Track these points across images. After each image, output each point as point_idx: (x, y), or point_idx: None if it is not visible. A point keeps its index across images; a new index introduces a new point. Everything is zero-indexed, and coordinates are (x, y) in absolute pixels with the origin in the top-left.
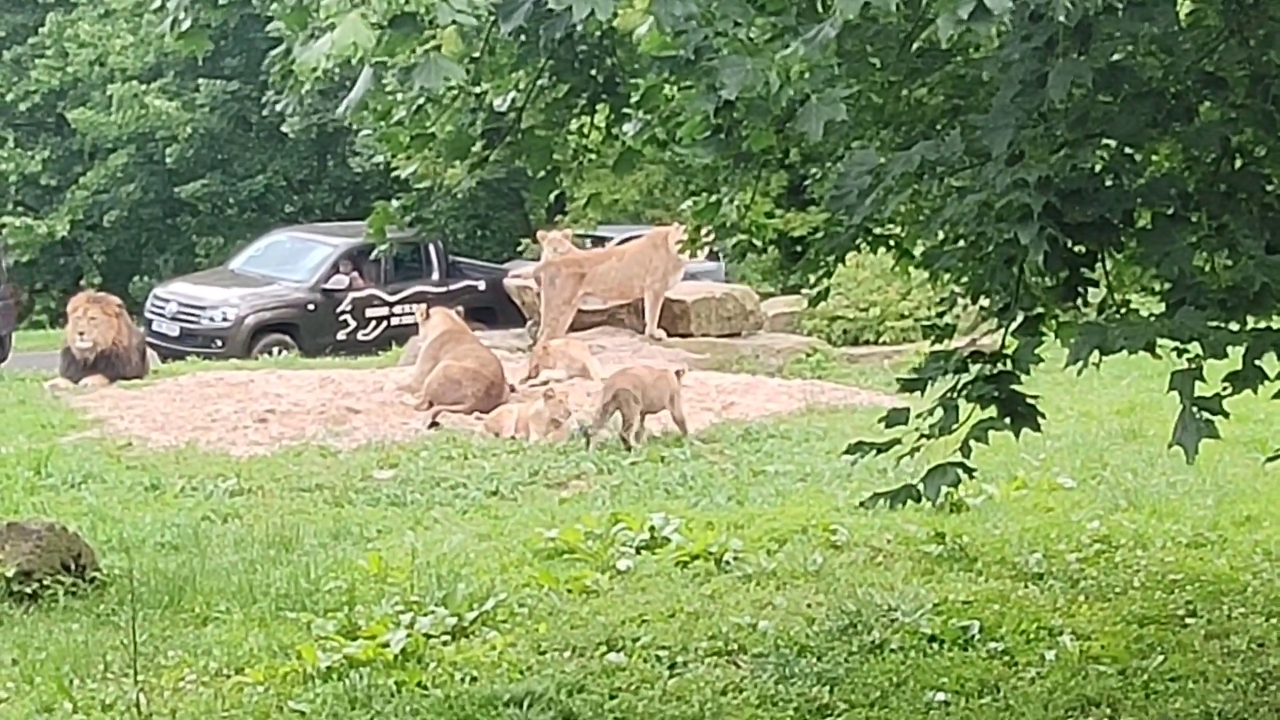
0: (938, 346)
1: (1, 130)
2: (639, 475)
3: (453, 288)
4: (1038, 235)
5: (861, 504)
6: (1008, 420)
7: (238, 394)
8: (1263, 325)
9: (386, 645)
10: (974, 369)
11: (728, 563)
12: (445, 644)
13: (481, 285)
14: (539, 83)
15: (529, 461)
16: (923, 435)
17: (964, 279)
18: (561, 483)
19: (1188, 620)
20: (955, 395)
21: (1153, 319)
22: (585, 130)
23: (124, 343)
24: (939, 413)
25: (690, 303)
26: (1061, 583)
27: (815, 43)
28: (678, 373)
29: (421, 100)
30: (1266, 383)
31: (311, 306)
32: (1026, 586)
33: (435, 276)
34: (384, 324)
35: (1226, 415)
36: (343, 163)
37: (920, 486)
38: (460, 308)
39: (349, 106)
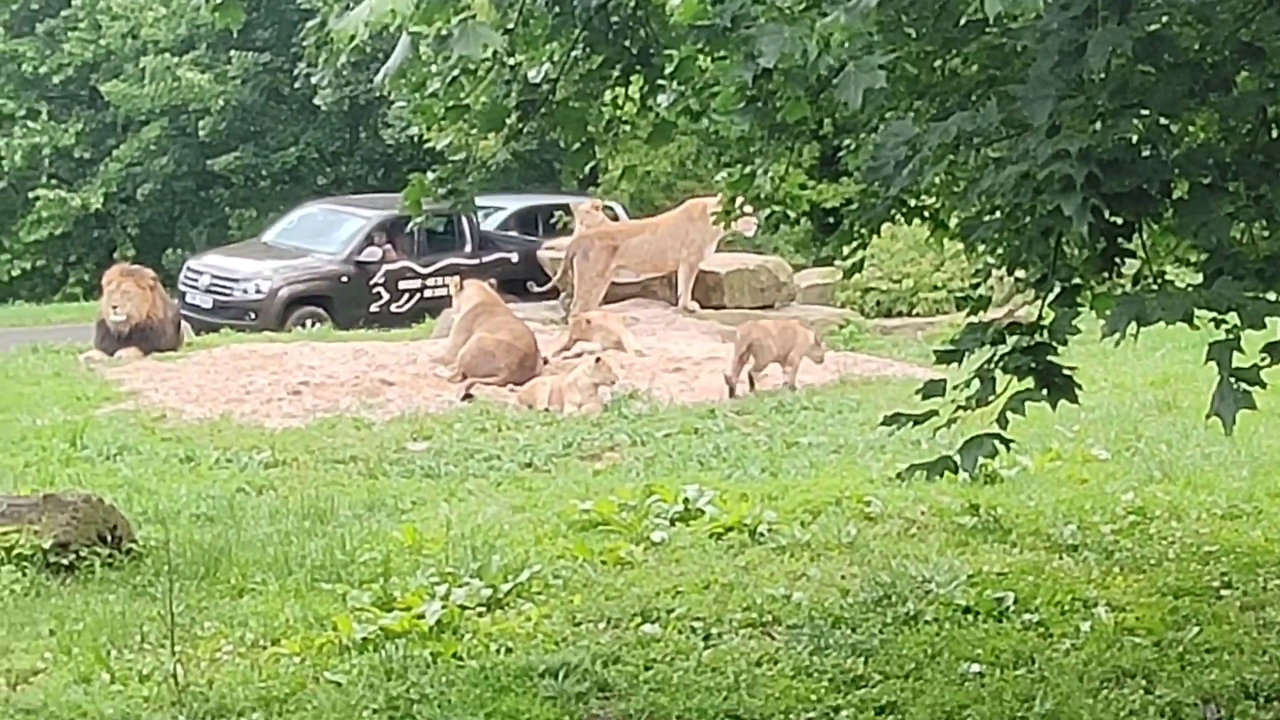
0: (972, 318)
1: (35, 103)
2: (673, 447)
3: (485, 260)
4: (1080, 206)
5: (898, 475)
6: (1045, 392)
7: (272, 366)
8: None
9: (422, 616)
10: (1011, 340)
11: (762, 534)
12: (480, 615)
13: (514, 257)
14: (573, 54)
15: (563, 433)
16: (959, 407)
17: (1000, 250)
18: (595, 454)
19: (1223, 592)
20: (992, 367)
21: (1190, 289)
22: (619, 102)
23: (158, 315)
24: (976, 384)
25: (723, 275)
26: (1096, 554)
27: (857, 10)
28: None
29: (456, 72)
30: None
31: (345, 279)
32: (1061, 558)
33: (468, 249)
34: (417, 296)
35: (1264, 386)
36: (375, 135)
37: (957, 458)
38: (493, 280)
39: (386, 75)
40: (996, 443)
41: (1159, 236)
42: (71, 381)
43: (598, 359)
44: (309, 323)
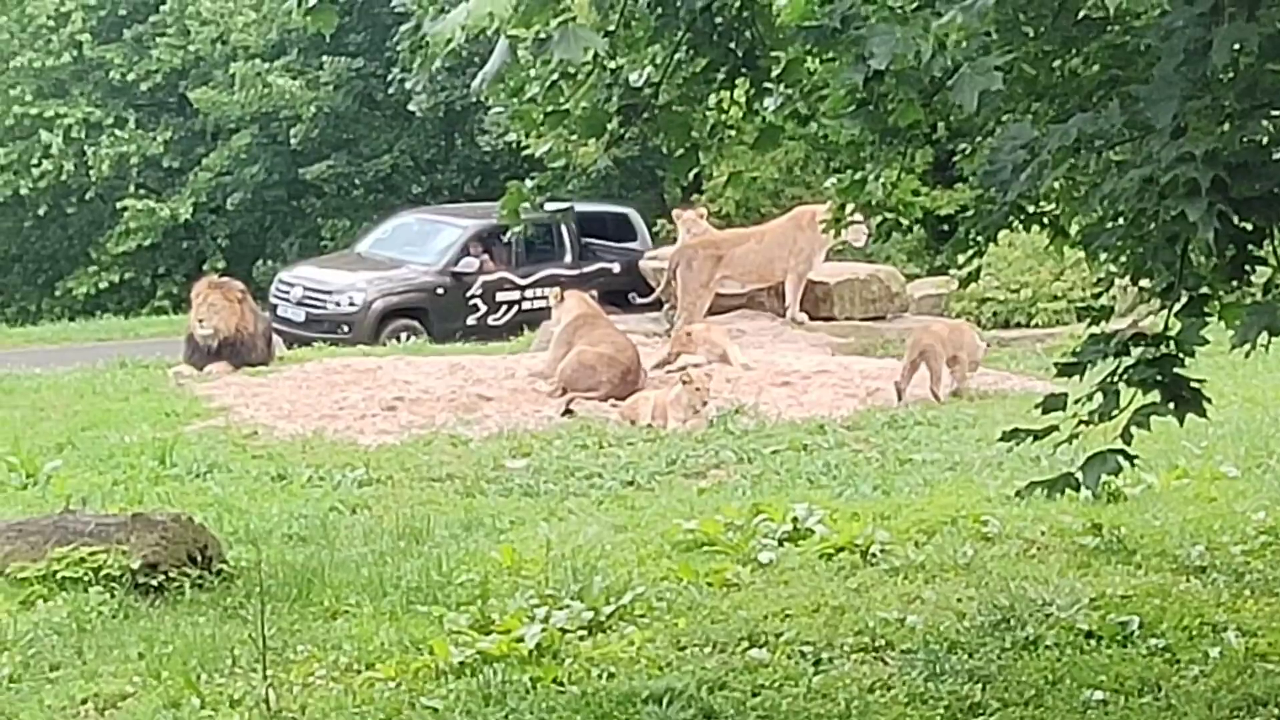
0: (1094, 329)
1: (122, 111)
2: (780, 464)
3: (586, 270)
4: (1206, 211)
5: (1017, 494)
6: (1171, 406)
7: (365, 381)
8: None
9: (521, 640)
10: (1135, 352)
11: (874, 555)
12: (581, 639)
13: (616, 268)
14: (676, 57)
15: (666, 450)
16: (1081, 421)
17: (1123, 258)
18: (700, 472)
19: None
20: (1115, 380)
21: None
22: (725, 106)
23: (249, 329)
24: (1098, 398)
25: (833, 285)
26: (1225, 576)
27: (975, 9)
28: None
29: (555, 76)
30: None
31: (441, 290)
32: (1188, 580)
33: (568, 259)
34: (515, 308)
35: None
36: (471, 141)
37: (1079, 475)
38: (594, 291)
39: (484, 80)
40: (1120, 459)
41: None
42: (160, 397)
43: (683, 381)
44: (404, 336)
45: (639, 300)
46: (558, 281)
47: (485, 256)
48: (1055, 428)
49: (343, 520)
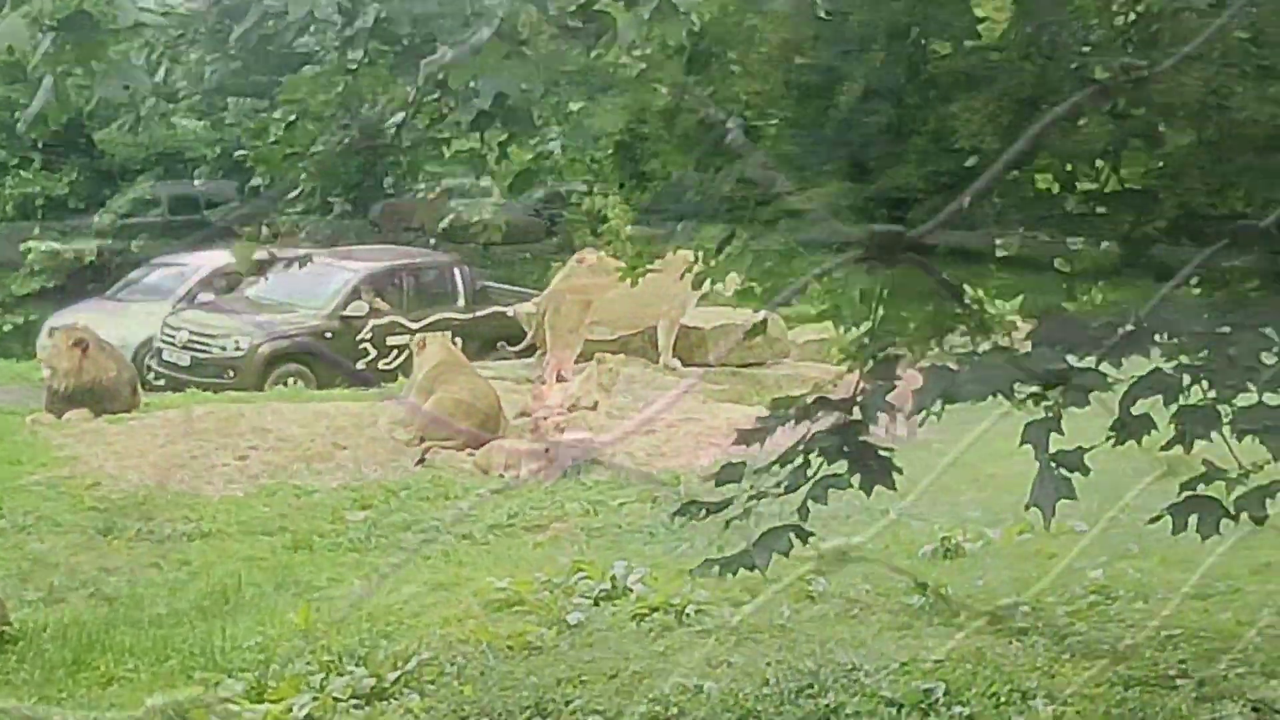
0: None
1: (28, 152)
2: (624, 518)
3: (479, 314)
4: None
5: (690, 573)
6: (857, 477)
7: (225, 429)
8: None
9: (290, 710)
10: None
11: (688, 615)
12: (357, 708)
13: (510, 311)
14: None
15: (510, 502)
16: (751, 496)
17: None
18: (542, 525)
19: (1179, 681)
20: (800, 448)
21: (1005, 359)
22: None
23: (109, 375)
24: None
25: (708, 330)
26: (1046, 639)
27: (467, 46)
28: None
29: (293, 117)
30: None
31: (329, 335)
32: (1009, 642)
33: (461, 303)
34: (406, 353)
35: (1087, 472)
36: (376, 183)
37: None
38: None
39: (26, 122)
40: (793, 535)
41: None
42: (10, 445)
43: (534, 427)
44: (291, 381)
45: (509, 348)
46: (450, 326)
47: (377, 300)
48: (729, 501)
49: (158, 577)
